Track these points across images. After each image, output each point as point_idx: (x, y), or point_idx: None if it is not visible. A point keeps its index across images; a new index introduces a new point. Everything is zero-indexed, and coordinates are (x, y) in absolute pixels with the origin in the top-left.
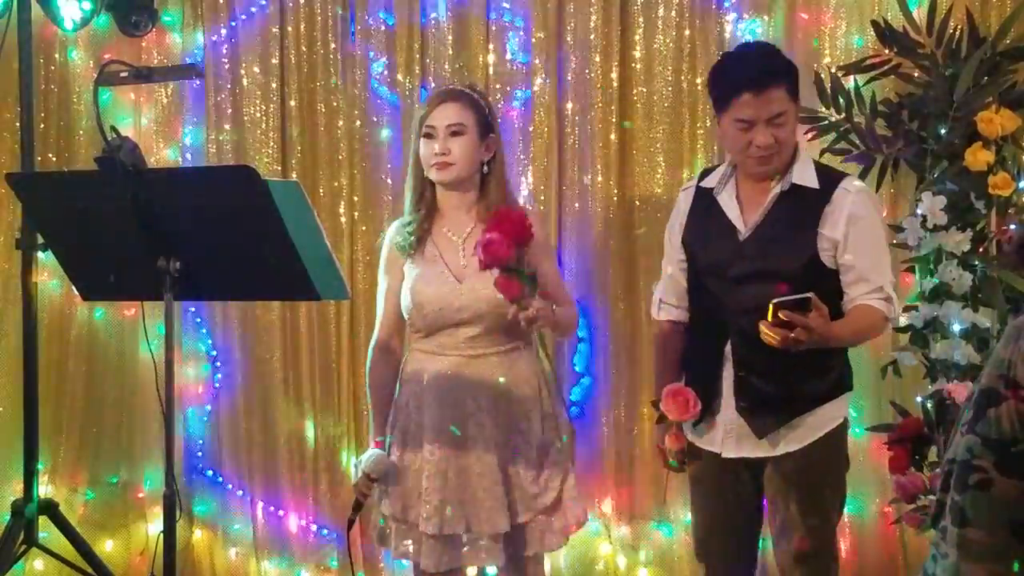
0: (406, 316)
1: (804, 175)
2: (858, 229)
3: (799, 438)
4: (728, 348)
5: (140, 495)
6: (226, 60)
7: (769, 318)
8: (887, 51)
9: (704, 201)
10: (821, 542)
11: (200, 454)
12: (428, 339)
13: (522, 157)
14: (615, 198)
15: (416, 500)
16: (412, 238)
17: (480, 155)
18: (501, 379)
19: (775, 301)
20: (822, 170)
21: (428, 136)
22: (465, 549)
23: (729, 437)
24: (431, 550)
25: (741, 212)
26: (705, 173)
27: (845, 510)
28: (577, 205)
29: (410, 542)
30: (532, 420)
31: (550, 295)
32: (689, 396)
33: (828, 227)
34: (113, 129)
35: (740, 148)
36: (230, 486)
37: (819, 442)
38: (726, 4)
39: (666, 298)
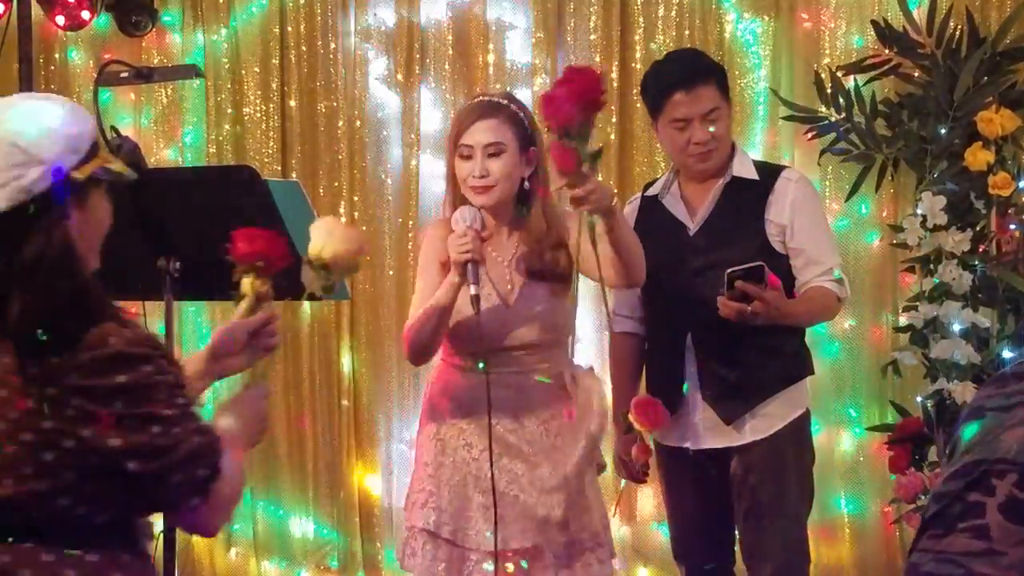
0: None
1: (743, 168)
2: (803, 215)
3: (763, 427)
4: (689, 339)
5: None
6: (226, 60)
7: (726, 290)
8: (887, 51)
9: (650, 208)
10: (790, 537)
11: None
12: (467, 356)
13: None
14: (615, 198)
15: (450, 517)
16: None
17: (521, 171)
18: (540, 400)
19: (729, 271)
20: (760, 163)
21: (464, 156)
22: (504, 567)
23: (696, 429)
24: (464, 566)
25: (687, 210)
26: (648, 185)
27: (845, 510)
28: None
29: (444, 560)
30: (573, 443)
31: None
32: (659, 407)
33: (773, 213)
34: (113, 129)
35: (679, 148)
36: None
37: (782, 432)
38: (726, 4)
39: (619, 310)
